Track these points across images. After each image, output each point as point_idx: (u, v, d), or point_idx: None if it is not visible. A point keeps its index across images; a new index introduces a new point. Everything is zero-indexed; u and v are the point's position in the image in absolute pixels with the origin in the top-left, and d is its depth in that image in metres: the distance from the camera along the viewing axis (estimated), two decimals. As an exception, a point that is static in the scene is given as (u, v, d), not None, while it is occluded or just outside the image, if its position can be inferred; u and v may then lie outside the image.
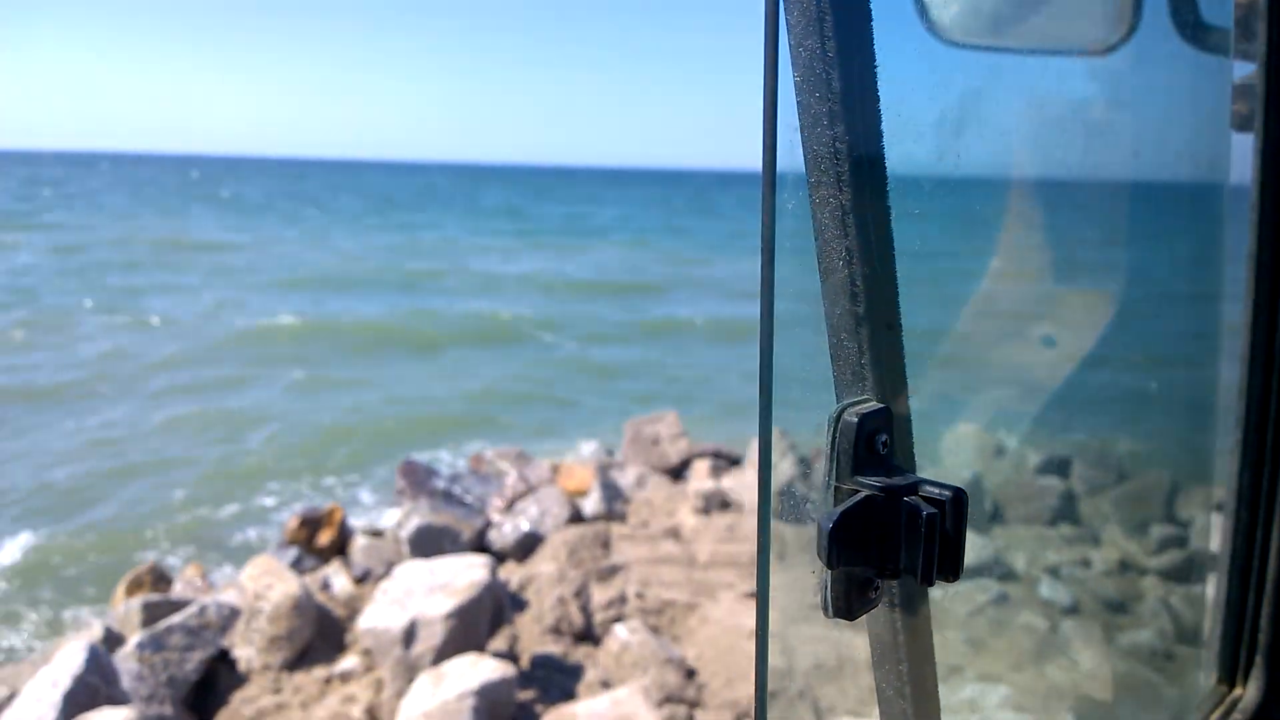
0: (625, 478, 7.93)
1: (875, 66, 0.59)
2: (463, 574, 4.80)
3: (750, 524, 6.37)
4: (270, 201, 65.89)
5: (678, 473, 8.46)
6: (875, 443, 0.62)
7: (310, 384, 14.10)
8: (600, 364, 16.54)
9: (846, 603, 0.64)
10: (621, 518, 7.23)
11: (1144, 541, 2.00)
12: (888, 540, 0.62)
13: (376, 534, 7.50)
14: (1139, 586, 1.96)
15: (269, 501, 9.17)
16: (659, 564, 6.20)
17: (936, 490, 0.61)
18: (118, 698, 4.08)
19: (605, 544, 6.41)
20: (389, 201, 71.12)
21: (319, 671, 4.95)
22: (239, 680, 4.90)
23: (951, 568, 0.61)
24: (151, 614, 5.60)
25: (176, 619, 4.88)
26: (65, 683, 3.96)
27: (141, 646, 4.71)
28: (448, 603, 4.55)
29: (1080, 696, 1.92)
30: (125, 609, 5.83)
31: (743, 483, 7.23)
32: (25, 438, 10.91)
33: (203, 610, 4.96)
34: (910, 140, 0.66)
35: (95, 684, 4.03)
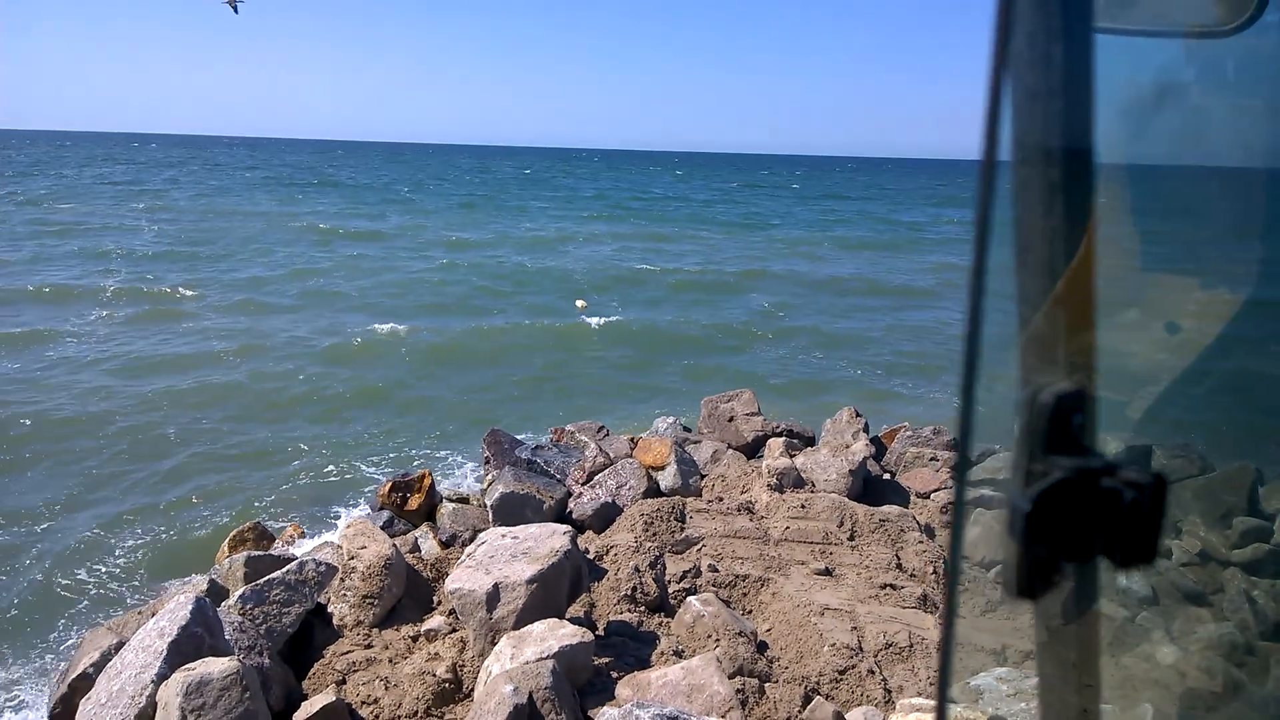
0: (701, 453, 8.00)
1: (1094, 45, 0.59)
2: (545, 541, 4.95)
3: (823, 502, 6.36)
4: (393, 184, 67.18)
5: (752, 450, 8.48)
6: (1069, 423, 0.60)
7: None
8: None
9: (1030, 583, 0.62)
10: (697, 492, 7.32)
11: (1226, 533, 1.95)
12: (1082, 523, 0.60)
13: (463, 500, 7.77)
14: (1219, 578, 1.91)
15: (368, 468, 9.62)
16: (733, 539, 6.26)
17: (1135, 474, 0.59)
18: (220, 648, 4.39)
19: (680, 517, 6.50)
20: (517, 186, 71.21)
21: (407, 629, 5.22)
22: (332, 635, 5.20)
23: (1145, 553, 0.60)
24: (254, 569, 5.97)
25: (277, 574, 5.19)
26: (172, 632, 4.27)
27: (244, 600, 5.04)
28: (530, 568, 4.71)
29: (1157, 688, 1.90)
30: (229, 564, 6.22)
31: (816, 461, 7.20)
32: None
33: (301, 567, 5.27)
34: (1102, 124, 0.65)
35: (200, 634, 4.34)
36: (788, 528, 6.14)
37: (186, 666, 3.89)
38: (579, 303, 19.30)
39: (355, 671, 4.75)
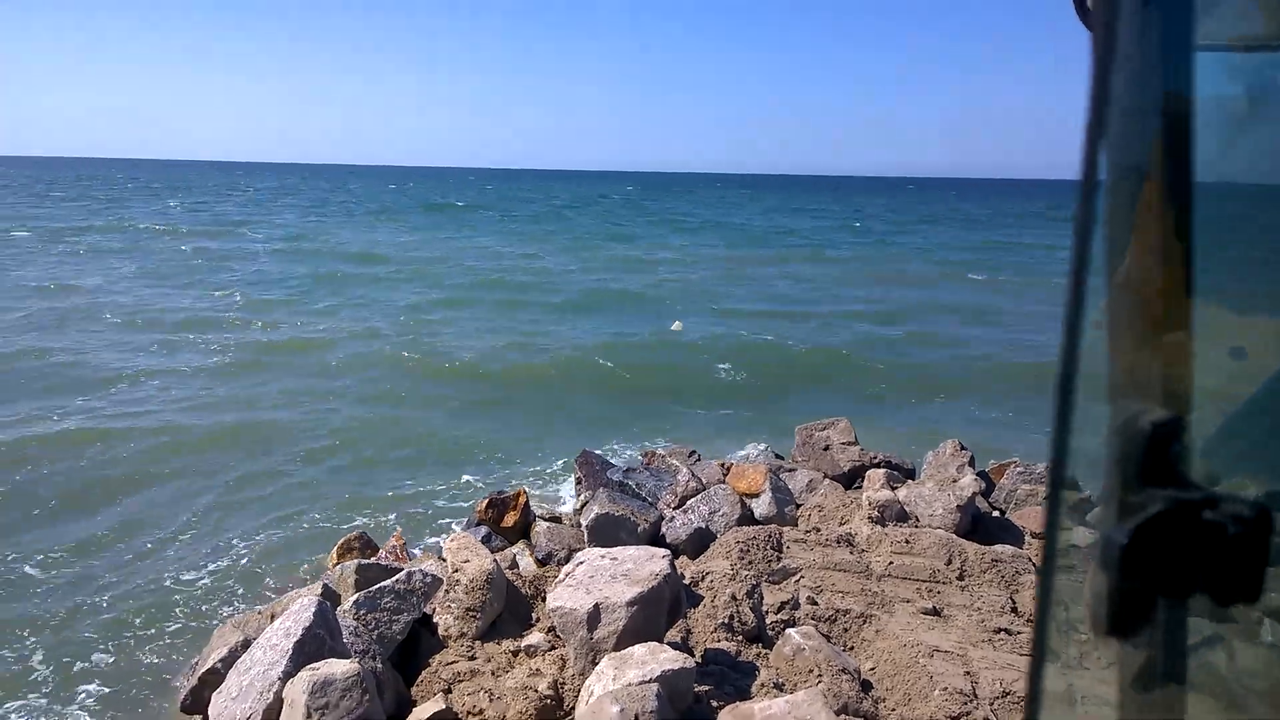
0: (796, 482, 7.91)
1: (1195, 63, 0.57)
2: (644, 564, 4.99)
3: (929, 538, 6.20)
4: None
5: (849, 480, 8.34)
6: (1167, 453, 0.57)
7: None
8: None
9: (1122, 620, 0.59)
10: (792, 521, 7.23)
11: None
12: (1181, 557, 0.56)
13: (555, 519, 7.89)
14: None
15: (466, 480, 9.87)
16: (832, 571, 6.16)
17: (1238, 506, 0.55)
18: (340, 650, 4.57)
19: (777, 546, 6.44)
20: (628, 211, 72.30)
21: (508, 644, 5.32)
22: (437, 645, 5.34)
23: (1249, 590, 0.56)
24: (364, 577, 6.20)
25: (387, 583, 5.38)
26: (297, 632, 4.48)
27: (357, 605, 5.24)
28: (630, 590, 4.75)
29: None
30: (340, 570, 6.47)
31: (919, 494, 7.03)
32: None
33: (409, 577, 5.45)
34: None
35: (322, 636, 4.53)
36: (891, 563, 6.00)
37: (311, 666, 4.07)
38: (675, 325, 19.46)
39: (460, 682, 4.87)
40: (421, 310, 20.94)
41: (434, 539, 8.28)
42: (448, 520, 8.75)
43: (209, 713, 4.42)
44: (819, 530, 6.92)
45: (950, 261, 35.08)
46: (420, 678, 4.98)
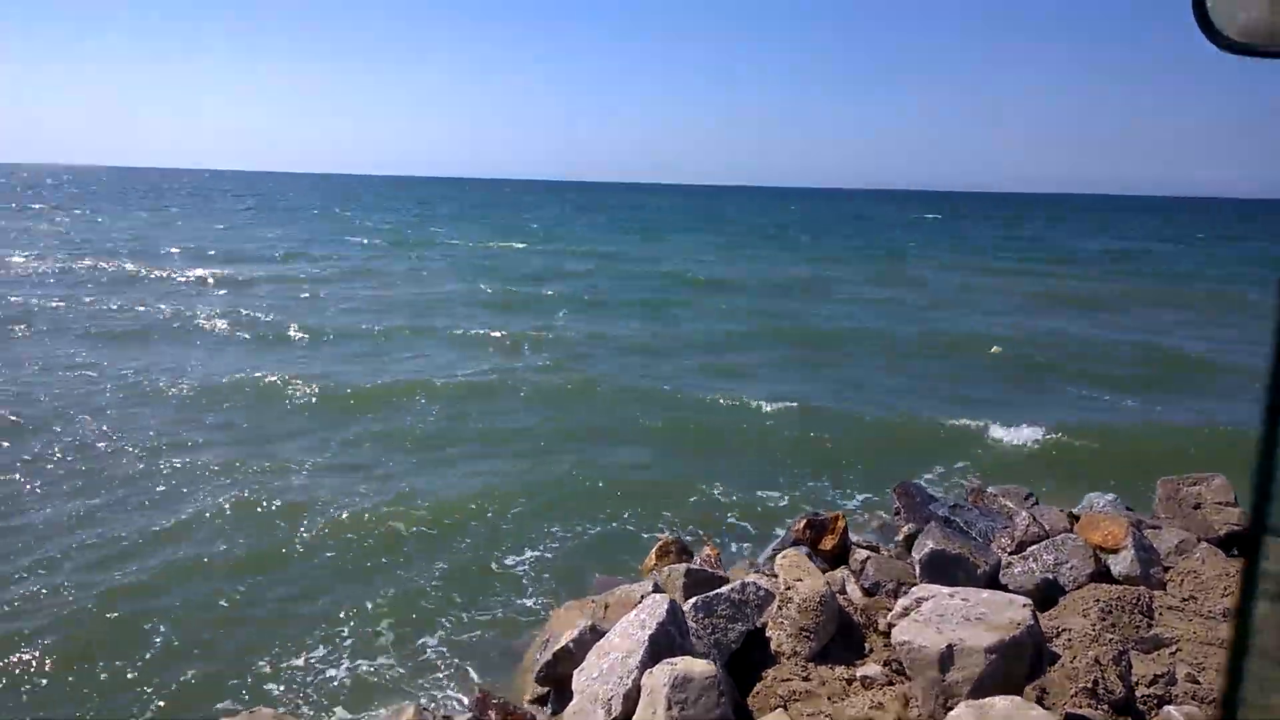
0: (1162, 541, 6.94)
1: None
2: (1002, 611, 4.63)
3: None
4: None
5: (1225, 545, 7.16)
6: None
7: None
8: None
9: None
10: (1159, 585, 6.35)
11: None
12: None
13: (872, 549, 7.63)
14: None
15: (773, 496, 9.94)
16: (1217, 649, 5.31)
17: None
18: (688, 648, 4.74)
19: (1146, 611, 5.68)
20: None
21: (841, 670, 5.19)
22: (769, 659, 5.36)
23: None
24: (692, 581, 6.42)
25: (723, 591, 5.51)
26: (651, 626, 4.71)
27: (695, 609, 5.41)
28: (988, 636, 4.42)
29: None
30: (668, 573, 6.76)
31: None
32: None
33: (744, 588, 5.53)
34: None
35: (673, 634, 4.73)
36: (1304, 651, 5.03)
37: (669, 660, 4.26)
38: (994, 349, 18.32)
39: (796, 700, 4.84)
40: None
41: (748, 552, 8.39)
42: (763, 536, 8.82)
43: (571, 686, 4.80)
44: (1196, 599, 6.01)
45: None
46: (755, 689, 5.02)
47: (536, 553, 8.54)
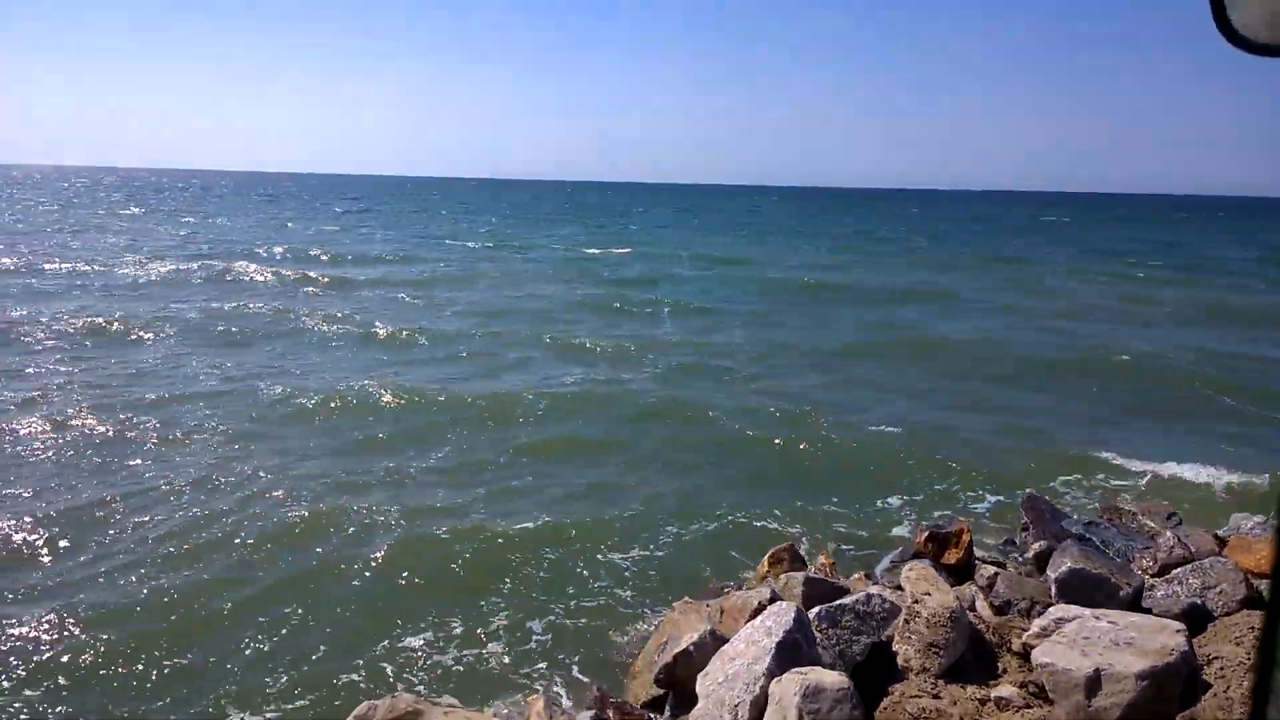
0: (1327, 568, 6.40)
1: None
2: (1153, 635, 4.37)
3: None
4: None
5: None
6: None
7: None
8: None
9: None
10: (1325, 617, 5.85)
11: None
12: None
13: (999, 564, 7.34)
14: None
15: (885, 507, 9.70)
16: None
17: None
18: (814, 658, 4.67)
19: (1313, 644, 5.24)
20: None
21: (973, 689, 5.01)
22: (897, 674, 5.22)
23: None
24: (811, 590, 6.32)
25: (847, 601, 5.40)
26: (778, 633, 4.66)
27: (819, 619, 5.32)
28: (1139, 662, 4.19)
29: None
30: (785, 580, 6.68)
31: None
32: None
33: (869, 599, 5.41)
34: None
35: (799, 641, 4.67)
36: None
37: (799, 670, 4.21)
38: (1128, 363, 17.37)
39: (926, 718, 4.69)
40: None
41: (863, 563, 8.20)
42: (879, 546, 8.61)
43: (695, 689, 4.80)
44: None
45: None
46: (882, 704, 4.89)
47: (645, 552, 8.58)
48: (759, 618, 4.94)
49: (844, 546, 8.81)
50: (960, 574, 7.16)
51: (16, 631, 6.76)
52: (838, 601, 5.40)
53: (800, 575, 6.48)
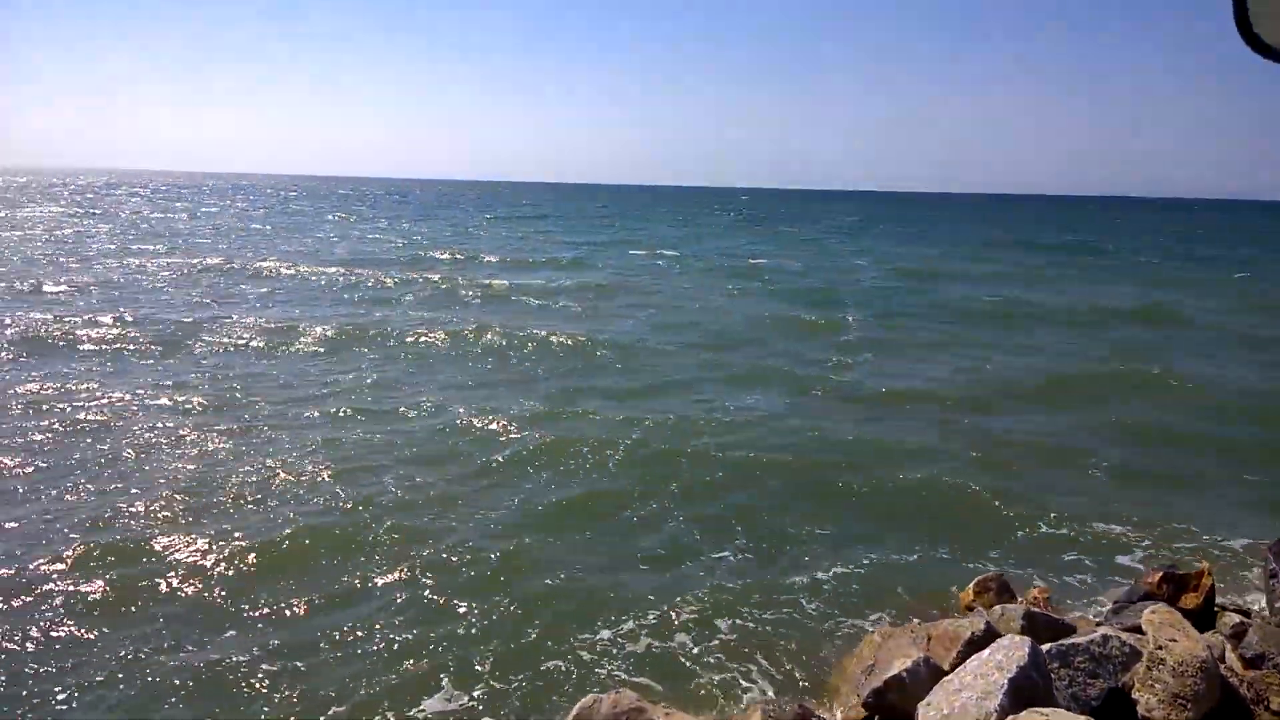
0: None
1: None
2: None
3: None
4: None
5: None
6: None
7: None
8: None
9: None
10: None
11: None
12: None
13: (1244, 613, 6.70)
14: None
15: (1104, 537, 9.07)
16: None
17: None
18: (1051, 699, 4.47)
19: None
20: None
21: (1229, 750, 4.62)
22: (1136, 723, 4.89)
23: None
24: (1031, 625, 6.04)
25: (1081, 641, 5.11)
26: (1011, 669, 4.49)
27: (1050, 656, 5.07)
28: None
29: None
30: (1001, 611, 6.39)
31: None
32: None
33: (1105, 641, 5.10)
34: None
35: (1036, 680, 4.48)
36: None
37: (1038, 710, 4.05)
38: None
39: (1176, 776, 4.37)
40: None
41: (1083, 599, 7.71)
42: (1097, 582, 8.07)
43: (915, 716, 4.72)
44: None
45: None
46: (1120, 755, 4.62)
47: (840, 568, 8.46)
48: (987, 651, 4.78)
49: (1051, 574, 8.33)
50: (1198, 620, 6.60)
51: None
52: (1069, 640, 5.13)
53: (1020, 608, 6.20)
